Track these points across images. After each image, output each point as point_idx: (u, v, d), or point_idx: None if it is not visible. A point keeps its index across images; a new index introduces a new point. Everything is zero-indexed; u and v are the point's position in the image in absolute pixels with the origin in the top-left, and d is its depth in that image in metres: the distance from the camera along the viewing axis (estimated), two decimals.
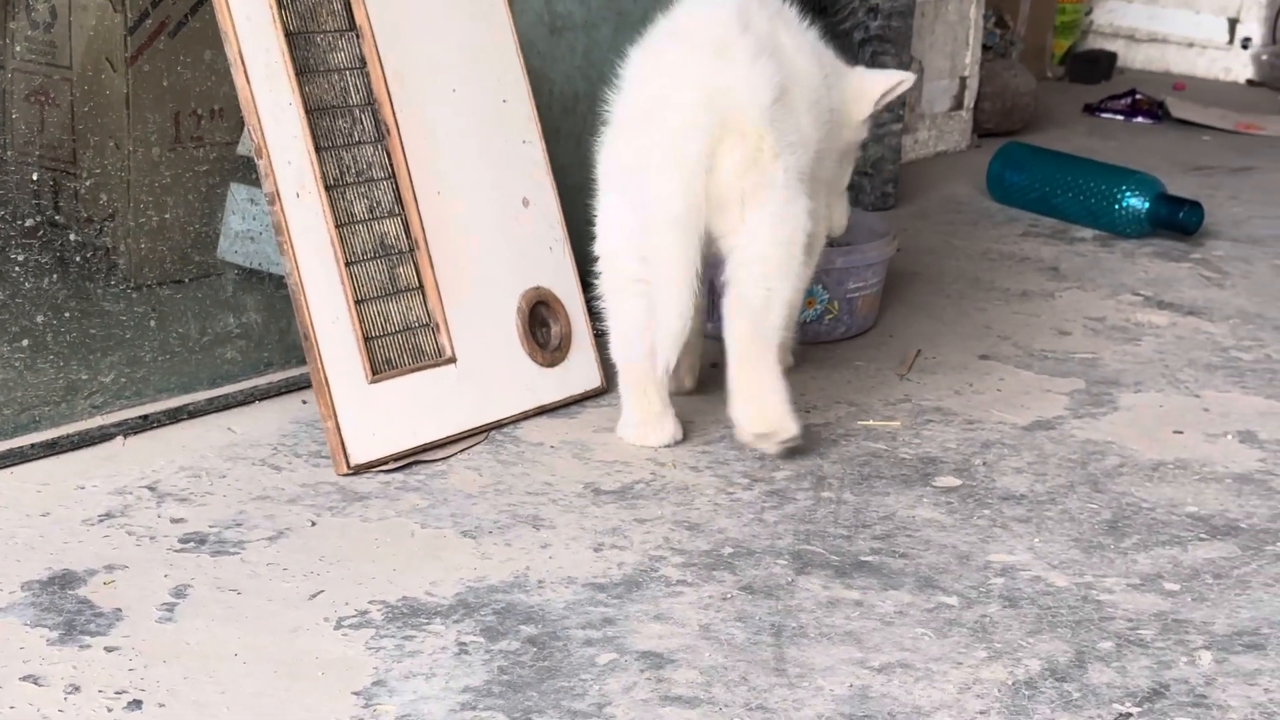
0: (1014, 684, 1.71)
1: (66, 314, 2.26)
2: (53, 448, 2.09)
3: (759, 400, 2.25)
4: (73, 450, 2.12)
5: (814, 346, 2.70)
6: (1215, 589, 1.96)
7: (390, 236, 2.22)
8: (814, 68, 2.39)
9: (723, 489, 2.16)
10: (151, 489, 2.03)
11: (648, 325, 2.24)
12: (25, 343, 2.19)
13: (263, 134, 2.10)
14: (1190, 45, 5.42)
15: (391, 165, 2.23)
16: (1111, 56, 5.39)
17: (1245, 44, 5.37)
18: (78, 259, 2.39)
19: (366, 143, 2.22)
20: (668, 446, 2.31)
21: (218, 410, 2.26)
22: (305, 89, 2.15)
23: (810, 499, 2.14)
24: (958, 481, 2.23)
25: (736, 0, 2.32)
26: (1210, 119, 4.67)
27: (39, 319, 2.22)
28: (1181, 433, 2.45)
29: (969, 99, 4.12)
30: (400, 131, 2.24)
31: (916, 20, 3.85)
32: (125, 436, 2.15)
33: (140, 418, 2.19)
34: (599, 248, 2.31)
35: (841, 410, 2.45)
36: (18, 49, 2.47)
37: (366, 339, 2.16)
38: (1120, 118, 4.68)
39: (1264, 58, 5.36)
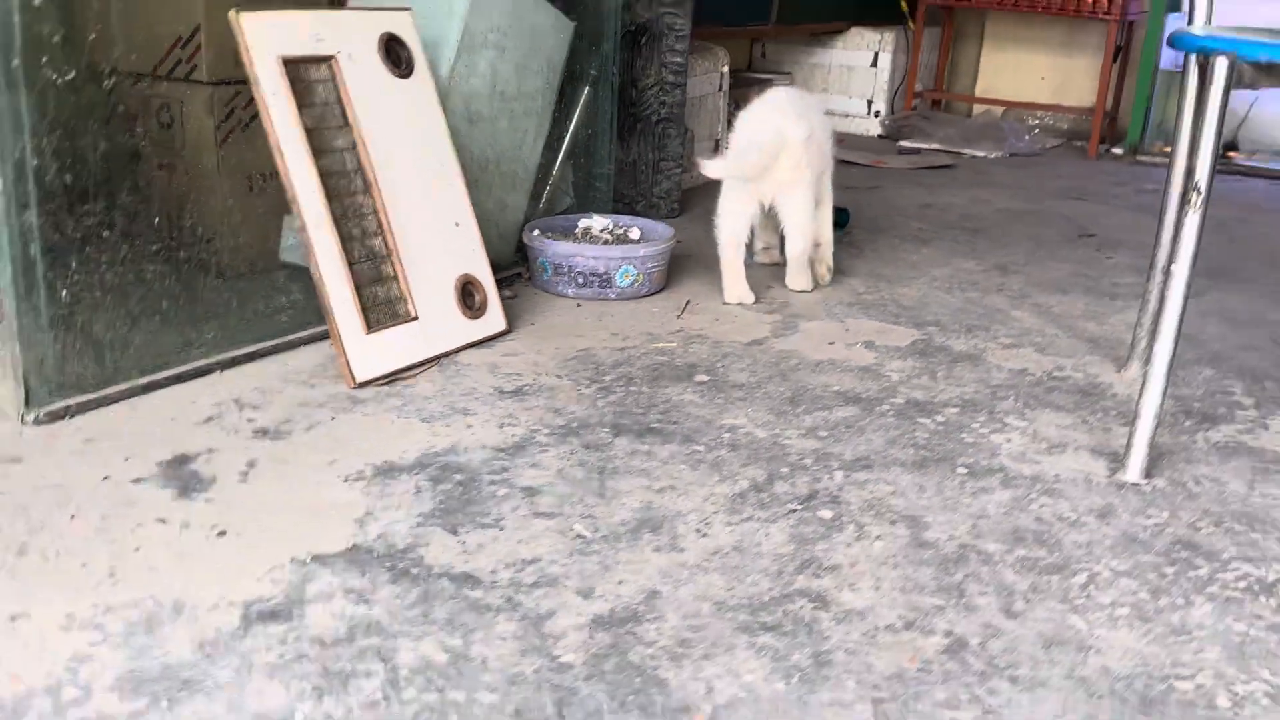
0: (733, 495, 1.70)
1: (182, 299, 2.18)
2: (178, 379, 2.00)
3: (799, 280, 2.80)
4: (191, 379, 2.02)
5: (629, 302, 2.63)
6: (846, 435, 1.95)
7: (376, 247, 2.14)
8: (826, 136, 2.86)
9: (575, 388, 2.10)
10: (236, 401, 1.95)
11: (734, 229, 2.70)
12: (164, 313, 2.11)
13: (294, 189, 2.01)
14: (847, 115, 5.41)
15: (374, 205, 2.15)
16: None
17: (877, 114, 5.36)
18: (190, 263, 2.31)
19: (358, 192, 2.13)
20: (741, 304, 2.69)
21: (277, 352, 2.18)
22: (320, 162, 2.06)
23: (623, 391, 2.09)
24: (708, 378, 2.18)
25: (791, 95, 2.82)
26: (858, 158, 4.67)
27: (167, 303, 2.14)
28: (833, 344, 2.41)
29: (721, 149, 4.08)
30: (379, 185, 2.15)
31: (689, 109, 3.81)
32: (221, 370, 2.07)
33: (230, 359, 2.09)
34: (721, 203, 2.72)
35: (642, 338, 2.38)
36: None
37: (364, 309, 2.08)
38: None
39: (886, 122, 5.37)
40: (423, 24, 2.45)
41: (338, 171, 2.10)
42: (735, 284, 2.71)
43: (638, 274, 2.66)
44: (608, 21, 2.94)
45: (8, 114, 1.68)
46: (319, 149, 2.07)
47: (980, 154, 5.01)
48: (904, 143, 5.17)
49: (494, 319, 2.34)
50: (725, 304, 2.68)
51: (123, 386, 1.92)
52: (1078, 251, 3.34)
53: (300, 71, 2.06)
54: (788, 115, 2.74)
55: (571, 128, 2.97)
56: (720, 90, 4.00)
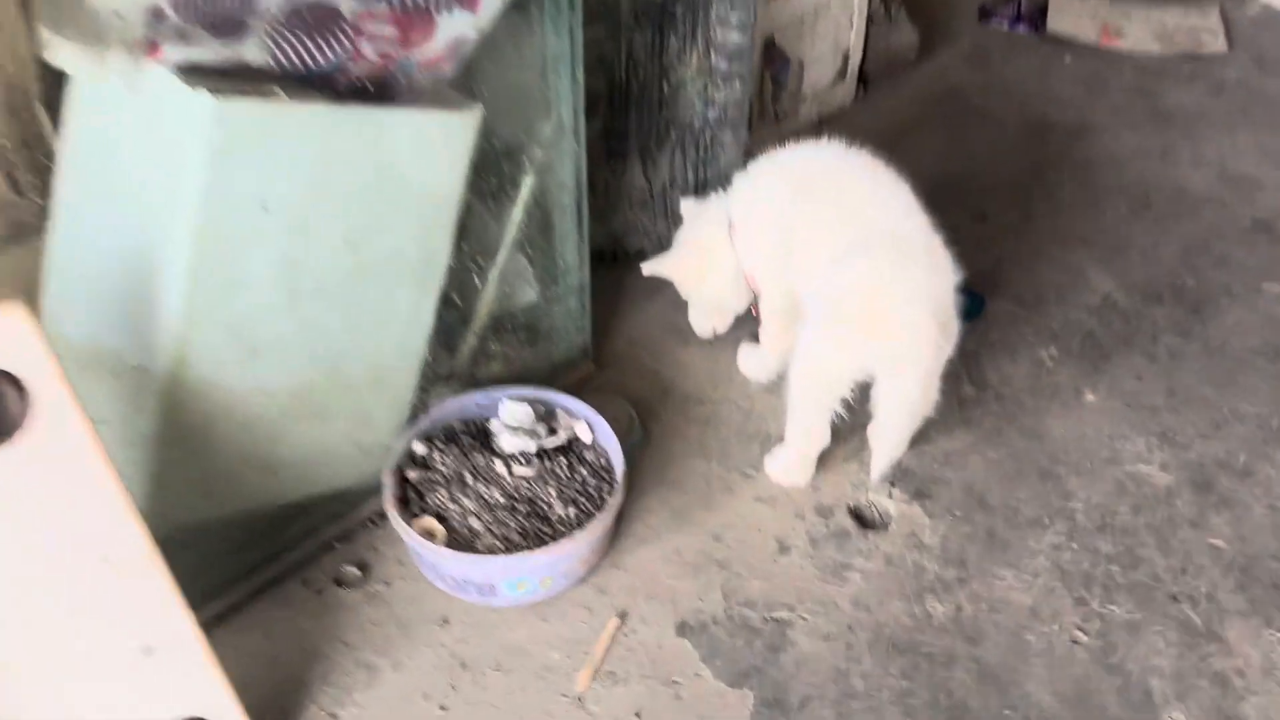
0: None
1: None
2: None
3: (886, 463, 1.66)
4: None
5: (521, 619, 1.47)
6: None
7: None
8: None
9: None
10: None
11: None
12: None
13: None
14: None
15: None
16: None
17: None
18: None
19: None
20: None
21: None
22: None
23: None
24: None
25: (882, 179, 1.55)
26: (1080, 30, 2.91)
27: None
28: None
29: (852, 68, 2.51)
30: None
31: (792, 31, 2.28)
32: None
33: None
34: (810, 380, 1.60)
35: None
36: None
37: None
38: (1006, 25, 2.95)
39: None
40: (128, 243, 1.21)
41: None
42: (806, 471, 1.69)
43: (540, 580, 1.48)
44: (561, 71, 1.50)
45: None
46: None
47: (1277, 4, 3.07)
48: None
49: None
50: (774, 481, 1.68)
51: None
52: None
53: None
54: (925, 257, 1.50)
55: (515, 218, 1.65)
56: None
